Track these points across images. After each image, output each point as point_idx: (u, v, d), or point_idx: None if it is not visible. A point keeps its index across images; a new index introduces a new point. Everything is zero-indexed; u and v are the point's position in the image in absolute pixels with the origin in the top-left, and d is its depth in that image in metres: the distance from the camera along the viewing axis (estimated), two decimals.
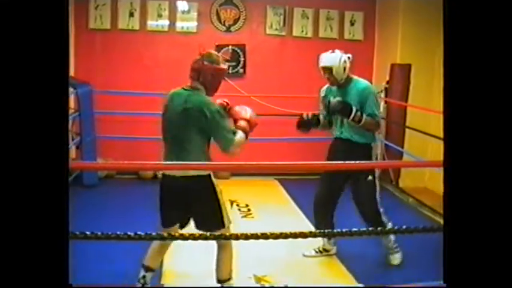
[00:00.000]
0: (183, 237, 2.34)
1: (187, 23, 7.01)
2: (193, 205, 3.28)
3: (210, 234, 2.94)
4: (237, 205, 5.79)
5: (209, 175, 3.23)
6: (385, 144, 6.92)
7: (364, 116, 3.88)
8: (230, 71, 6.99)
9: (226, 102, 3.57)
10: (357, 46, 7.37)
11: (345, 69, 3.96)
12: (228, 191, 6.29)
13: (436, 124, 6.53)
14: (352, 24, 7.38)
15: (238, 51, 7.04)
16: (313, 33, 7.28)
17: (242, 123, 3.28)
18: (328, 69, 3.98)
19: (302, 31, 7.25)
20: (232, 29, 7.10)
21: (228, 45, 7.03)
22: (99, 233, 1.99)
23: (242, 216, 5.45)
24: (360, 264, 4.16)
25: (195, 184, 3.20)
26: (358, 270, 4.00)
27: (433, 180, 6.77)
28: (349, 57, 4.01)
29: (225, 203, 3.33)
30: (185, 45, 6.95)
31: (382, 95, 7.07)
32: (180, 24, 6.98)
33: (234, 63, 7.03)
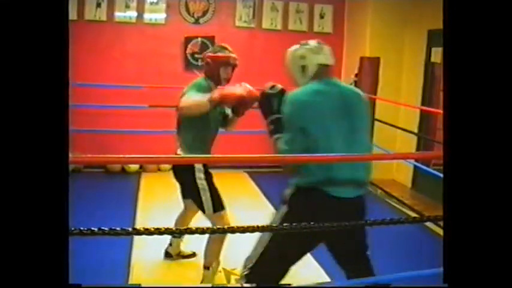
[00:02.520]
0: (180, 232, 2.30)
1: (156, 15, 6.93)
2: (180, 183, 3.61)
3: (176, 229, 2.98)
4: None
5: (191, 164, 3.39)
6: None
7: (275, 136, 2.76)
8: (199, 63, 6.94)
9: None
10: (326, 39, 7.29)
11: (302, 68, 2.81)
12: None
13: (404, 117, 6.62)
14: (321, 17, 7.40)
15: (208, 43, 6.99)
16: (283, 25, 7.27)
17: (214, 92, 3.20)
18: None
19: (271, 23, 7.24)
20: (201, 21, 7.04)
21: (197, 37, 6.98)
22: (95, 229, 1.95)
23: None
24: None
25: (177, 172, 3.54)
26: (327, 263, 4.02)
27: (401, 172, 6.86)
28: (316, 48, 2.84)
29: (209, 190, 3.43)
30: (153, 37, 6.89)
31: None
32: (148, 16, 6.89)
33: (202, 56, 6.99)
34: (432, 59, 6.41)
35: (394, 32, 6.83)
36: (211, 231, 2.30)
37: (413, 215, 5.34)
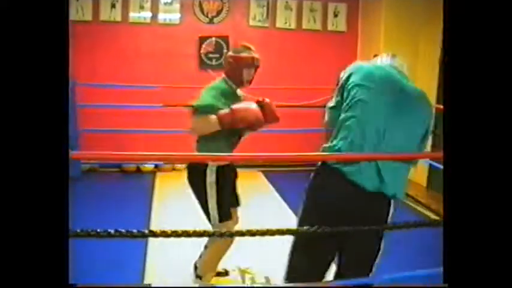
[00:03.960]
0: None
1: (170, 15, 6.96)
2: (191, 187, 3.37)
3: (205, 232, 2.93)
4: None
5: (206, 164, 3.23)
6: None
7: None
8: (213, 63, 6.96)
9: (263, 99, 3.40)
10: (341, 37, 7.38)
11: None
12: None
13: None
14: (335, 15, 7.38)
15: (222, 42, 7.01)
16: (297, 24, 7.26)
17: (223, 111, 3.13)
18: None
19: (285, 23, 7.23)
20: (215, 20, 7.06)
21: (211, 37, 7.00)
22: (100, 231, 1.96)
23: None
24: None
25: (189, 174, 3.35)
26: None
27: (416, 172, 6.79)
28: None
29: (217, 197, 3.27)
30: (168, 37, 6.92)
31: None
32: (162, 16, 6.92)
33: (217, 55, 7.00)
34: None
35: (408, 30, 6.79)
36: (229, 234, 2.26)
37: (429, 214, 5.32)
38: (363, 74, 2.42)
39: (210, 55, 6.99)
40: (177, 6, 6.93)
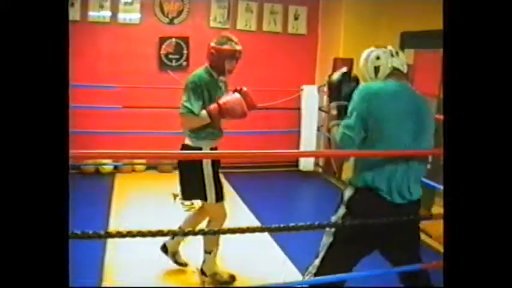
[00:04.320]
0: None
1: (130, 15, 6.89)
2: (182, 175, 3.54)
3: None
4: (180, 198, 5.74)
5: (200, 148, 3.44)
6: (328, 138, 7.02)
7: (333, 122, 2.80)
8: (173, 64, 6.93)
9: (241, 88, 3.70)
10: (301, 40, 7.45)
11: (375, 69, 2.71)
12: (171, 184, 6.25)
13: None
14: (296, 18, 7.44)
15: (182, 43, 6.98)
16: (257, 26, 7.29)
17: (212, 105, 3.37)
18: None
19: (246, 25, 7.25)
20: (175, 21, 7.03)
21: (171, 38, 6.96)
22: (101, 232, 1.95)
23: (185, 210, 5.41)
24: (305, 257, 4.20)
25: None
26: (303, 264, 4.05)
27: None
28: (392, 52, 2.75)
29: (214, 179, 3.46)
30: (128, 38, 6.85)
31: (325, 88, 7.16)
32: (122, 16, 6.85)
33: (177, 56, 6.97)
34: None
35: (367, 33, 6.89)
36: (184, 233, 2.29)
37: None
38: (383, 104, 2.54)
39: (170, 56, 6.95)
40: (137, 6, 6.86)
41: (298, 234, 3.64)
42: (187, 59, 7.01)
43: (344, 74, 2.82)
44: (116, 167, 6.79)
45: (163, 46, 6.94)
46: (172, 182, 6.36)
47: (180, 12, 7.01)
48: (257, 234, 4.08)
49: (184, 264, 3.91)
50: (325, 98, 7.22)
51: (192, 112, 3.33)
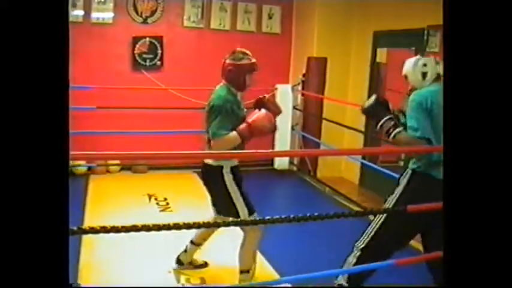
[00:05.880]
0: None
1: (103, 14, 6.83)
2: (210, 193, 3.62)
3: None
4: (155, 199, 5.73)
5: (220, 166, 3.41)
6: (303, 136, 7.08)
7: (397, 130, 3.13)
8: (147, 64, 6.90)
9: (264, 96, 3.71)
10: (275, 39, 7.47)
11: (423, 74, 3.18)
12: (145, 184, 6.26)
13: (351, 116, 6.75)
14: (270, 17, 7.46)
15: (156, 43, 6.94)
16: (231, 26, 7.29)
17: (242, 125, 3.33)
18: (405, 78, 3.34)
19: (220, 24, 7.25)
20: (149, 20, 6.98)
21: (145, 37, 6.92)
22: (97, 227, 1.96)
23: (160, 210, 5.42)
24: (281, 256, 4.23)
25: (207, 179, 3.56)
26: (279, 263, 4.08)
27: (349, 170, 7.00)
28: (436, 60, 3.21)
29: (241, 194, 3.44)
30: (101, 37, 6.79)
31: (300, 87, 7.21)
32: (95, 15, 6.78)
33: (151, 56, 6.93)
34: (377, 59, 6.56)
35: (340, 33, 6.97)
36: (157, 228, 2.29)
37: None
38: (433, 104, 3.01)
39: (144, 55, 6.91)
40: (110, 5, 6.80)
41: (271, 230, 3.68)
42: (161, 59, 6.98)
43: (376, 99, 3.35)
44: (89, 168, 6.73)
45: (137, 46, 6.89)
46: (147, 183, 6.39)
47: (153, 12, 6.98)
48: (231, 229, 4.10)
49: (205, 264, 4.06)
50: (299, 96, 7.28)
51: (223, 135, 3.31)
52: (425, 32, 5.43)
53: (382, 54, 6.55)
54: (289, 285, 3.59)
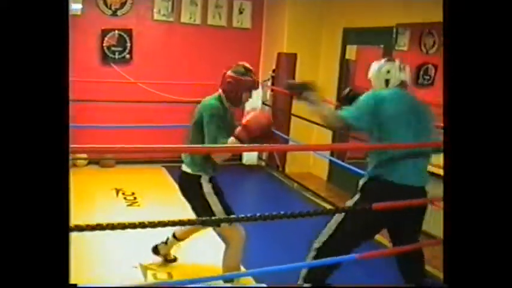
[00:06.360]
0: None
1: (72, 5, 6.70)
2: (188, 201, 3.51)
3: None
4: (123, 193, 5.69)
5: (198, 176, 3.33)
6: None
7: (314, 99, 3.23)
8: (116, 56, 6.83)
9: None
10: (245, 34, 7.47)
11: (386, 81, 3.18)
12: (113, 179, 6.21)
13: None
14: (240, 12, 7.45)
15: (125, 36, 6.87)
16: (202, 20, 7.26)
17: (237, 130, 3.16)
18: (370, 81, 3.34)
19: (190, 18, 7.21)
20: (118, 13, 6.90)
21: (114, 30, 6.84)
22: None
23: (128, 205, 5.38)
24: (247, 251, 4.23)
25: (184, 190, 3.48)
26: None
27: (317, 166, 7.04)
28: (400, 67, 3.21)
29: (220, 203, 3.34)
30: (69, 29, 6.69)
31: (269, 83, 7.23)
32: None
33: (120, 49, 6.86)
34: (347, 56, 6.61)
35: (310, 29, 7.00)
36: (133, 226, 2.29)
37: (328, 206, 5.52)
38: (389, 106, 3.02)
39: (113, 48, 6.83)
40: None
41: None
42: (130, 52, 6.91)
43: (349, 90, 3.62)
44: None
45: (106, 38, 6.81)
46: (114, 177, 6.33)
47: (123, 4, 6.89)
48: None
49: (175, 259, 4.04)
50: (268, 92, 7.30)
51: (221, 143, 3.18)
52: (395, 30, 5.49)
53: (351, 51, 6.60)
54: (264, 286, 3.60)
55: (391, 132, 3.01)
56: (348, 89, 3.65)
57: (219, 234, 3.76)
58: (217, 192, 3.38)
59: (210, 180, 3.37)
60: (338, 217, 3.17)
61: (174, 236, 3.90)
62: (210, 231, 4.10)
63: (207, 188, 3.34)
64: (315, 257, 3.15)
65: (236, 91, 3.33)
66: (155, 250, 3.95)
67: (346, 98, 3.58)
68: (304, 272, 3.23)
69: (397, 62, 3.23)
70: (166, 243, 3.93)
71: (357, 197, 3.17)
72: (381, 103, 3.01)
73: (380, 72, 3.21)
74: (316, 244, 3.20)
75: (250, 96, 3.44)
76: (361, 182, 3.19)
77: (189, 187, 3.42)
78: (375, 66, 3.26)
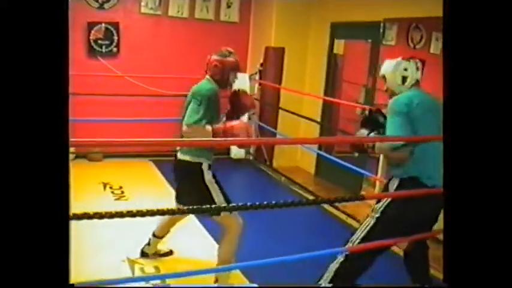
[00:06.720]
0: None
1: None
2: (182, 189, 3.58)
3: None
4: (110, 187, 5.67)
5: (199, 163, 3.36)
6: (259, 126, 7.09)
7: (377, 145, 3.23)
8: (103, 50, 6.79)
9: (238, 90, 3.71)
10: (233, 28, 7.45)
11: (403, 78, 3.23)
12: (101, 172, 6.19)
13: (308, 106, 6.81)
14: (228, 6, 7.43)
15: (112, 29, 6.83)
16: (189, 13, 7.23)
17: (219, 125, 3.31)
18: (383, 78, 3.38)
19: (178, 11, 7.18)
20: (105, 6, 6.85)
21: (100, 23, 6.79)
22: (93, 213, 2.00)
23: (115, 199, 5.36)
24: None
25: (184, 179, 3.51)
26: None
27: (305, 160, 7.06)
28: (417, 66, 3.28)
29: (221, 191, 3.40)
30: None
31: (257, 77, 7.22)
32: None
33: (107, 42, 6.82)
34: (335, 51, 6.62)
35: (298, 23, 7.00)
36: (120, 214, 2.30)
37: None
38: (414, 109, 3.06)
39: (100, 42, 6.79)
40: None
41: None
42: (117, 45, 6.87)
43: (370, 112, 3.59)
44: None
45: (92, 31, 6.76)
46: (102, 171, 6.30)
47: None
48: (186, 219, 4.14)
49: (170, 252, 4.08)
50: (256, 86, 7.29)
51: (201, 125, 3.25)
52: (382, 24, 5.51)
53: (339, 46, 6.61)
54: (255, 286, 3.61)
55: (418, 131, 3.05)
56: (366, 111, 3.61)
57: (218, 223, 3.72)
58: (217, 180, 3.43)
59: (209, 167, 3.42)
60: (368, 223, 3.14)
61: (154, 235, 3.92)
62: (191, 222, 4.11)
63: (208, 175, 3.38)
64: (343, 262, 3.10)
65: (223, 73, 3.47)
66: (143, 254, 3.96)
67: (368, 120, 3.48)
68: (332, 270, 3.15)
69: (413, 61, 3.27)
70: (149, 244, 3.95)
71: (388, 200, 3.15)
72: (411, 104, 3.06)
73: (398, 68, 3.23)
74: (350, 244, 3.15)
75: (235, 77, 3.56)
76: (391, 184, 3.19)
77: (188, 175, 3.43)
78: (390, 62, 3.30)
